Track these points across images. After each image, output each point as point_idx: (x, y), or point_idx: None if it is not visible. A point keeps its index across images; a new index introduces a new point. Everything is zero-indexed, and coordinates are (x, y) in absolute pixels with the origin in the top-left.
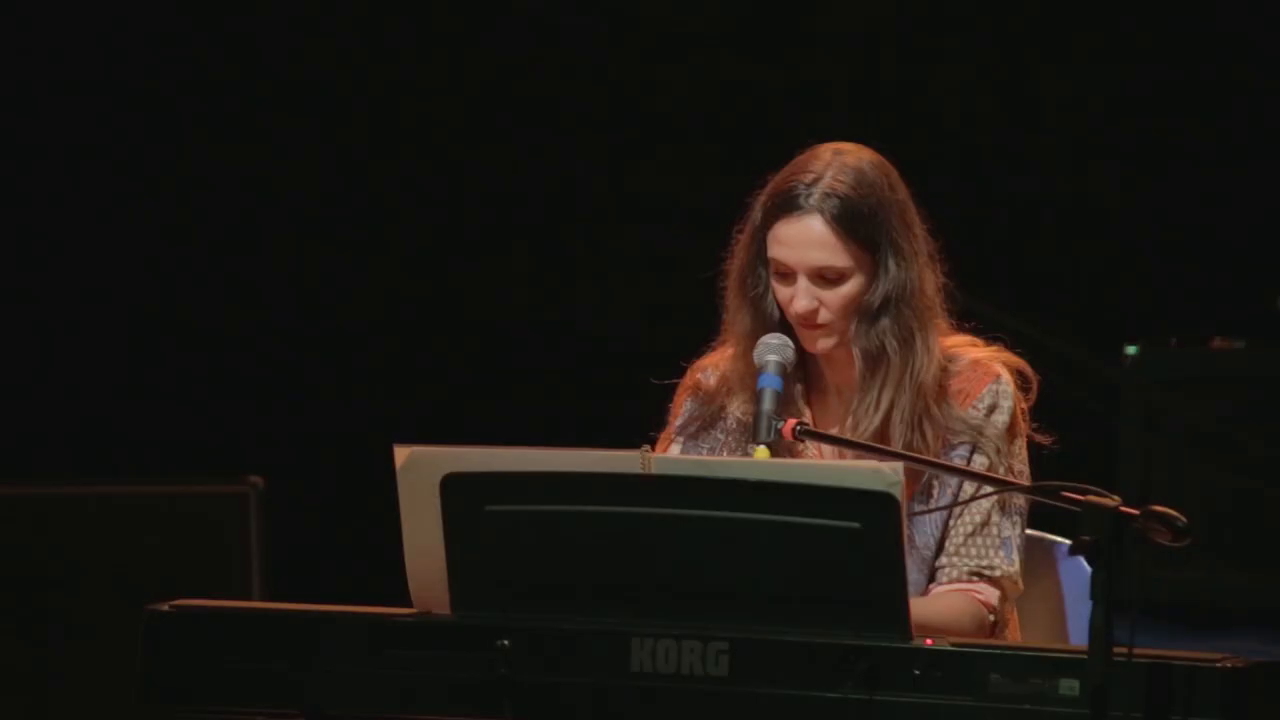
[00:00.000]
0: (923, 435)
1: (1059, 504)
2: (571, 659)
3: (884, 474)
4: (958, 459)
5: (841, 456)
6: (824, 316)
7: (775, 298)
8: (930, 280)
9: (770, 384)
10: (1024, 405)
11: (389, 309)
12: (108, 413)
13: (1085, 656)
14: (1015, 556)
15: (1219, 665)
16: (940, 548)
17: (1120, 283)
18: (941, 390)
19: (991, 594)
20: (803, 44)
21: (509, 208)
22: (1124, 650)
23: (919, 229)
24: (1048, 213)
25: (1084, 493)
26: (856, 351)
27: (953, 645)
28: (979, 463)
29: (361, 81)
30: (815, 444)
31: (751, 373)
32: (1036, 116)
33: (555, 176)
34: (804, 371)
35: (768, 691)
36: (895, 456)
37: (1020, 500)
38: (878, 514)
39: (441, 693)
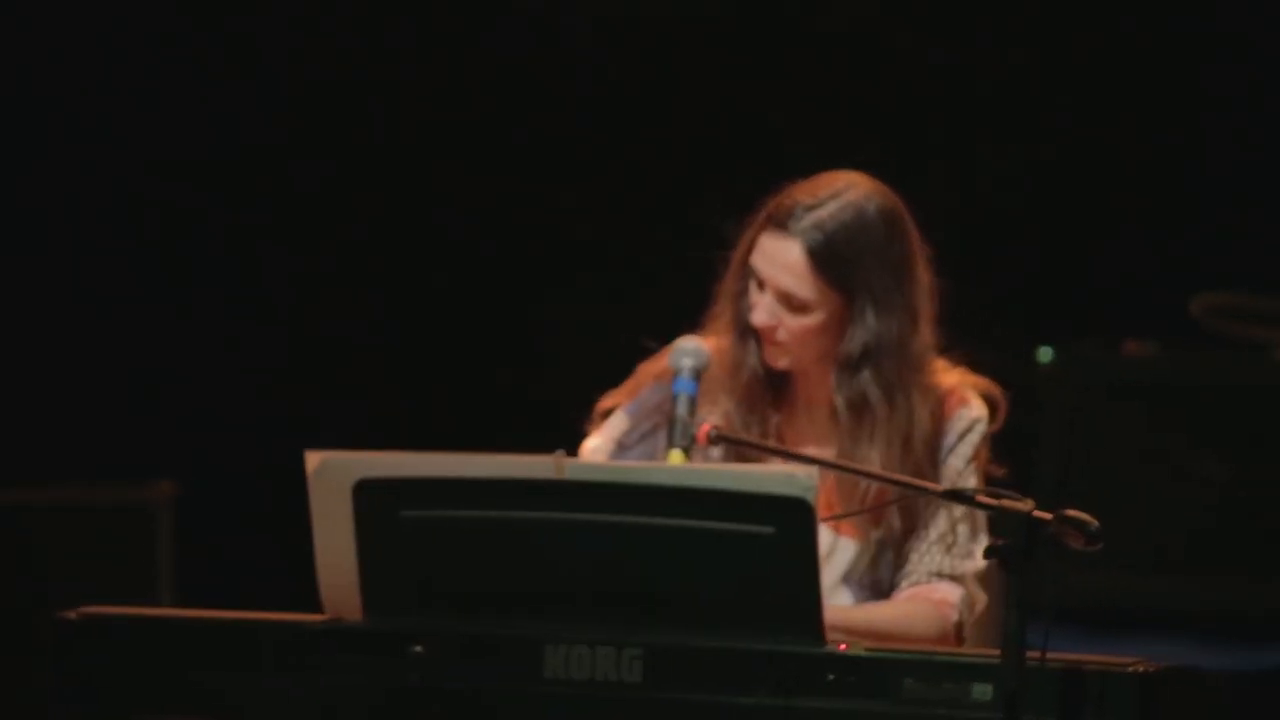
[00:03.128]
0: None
1: (974, 508)
2: (485, 665)
3: (798, 479)
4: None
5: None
6: (781, 336)
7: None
8: (919, 338)
9: (685, 389)
10: (988, 430)
11: (304, 312)
12: (14, 417)
13: (999, 661)
14: (979, 558)
15: (1131, 670)
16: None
17: (1034, 285)
18: (931, 449)
19: (952, 591)
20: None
21: (439, 211)
22: (1037, 655)
23: (916, 284)
24: (961, 214)
25: (998, 497)
26: (840, 402)
27: (866, 651)
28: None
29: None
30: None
31: (735, 364)
32: (946, 110)
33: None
34: (777, 383)
35: (682, 697)
36: (809, 461)
37: (982, 516)
38: (792, 519)
39: (354, 699)
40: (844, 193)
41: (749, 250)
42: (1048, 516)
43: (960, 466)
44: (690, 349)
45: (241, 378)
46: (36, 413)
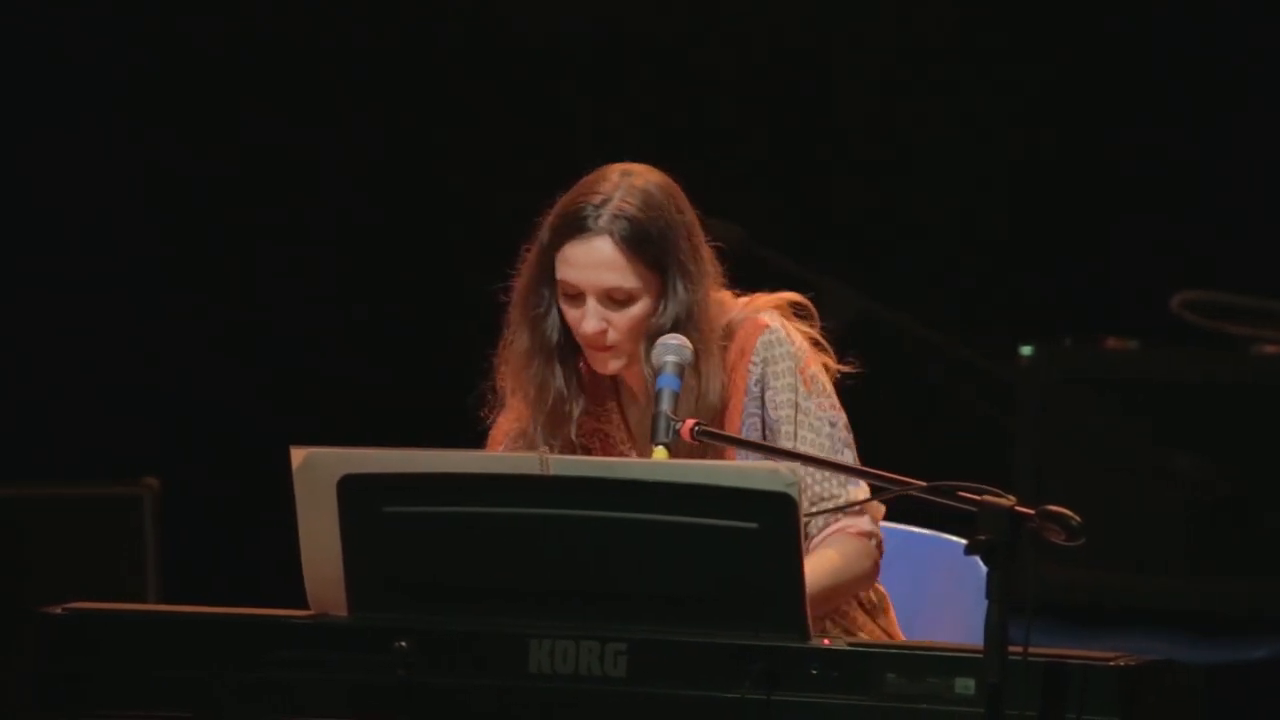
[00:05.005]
0: (719, 455)
1: (955, 504)
2: (469, 660)
3: (781, 475)
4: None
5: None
6: (612, 337)
7: (562, 319)
8: (712, 301)
9: (668, 385)
10: (810, 335)
11: (286, 308)
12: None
13: (981, 656)
14: (861, 482)
15: (1113, 664)
16: None
17: (1015, 283)
18: (741, 382)
19: (861, 521)
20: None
21: (412, 205)
22: (1019, 649)
23: (705, 250)
24: (941, 213)
25: (980, 493)
26: (648, 372)
27: (850, 645)
28: (785, 432)
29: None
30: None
31: (538, 386)
32: (928, 114)
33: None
34: (614, 386)
35: (666, 692)
36: (793, 457)
37: (839, 419)
38: (775, 514)
39: (339, 695)
40: (623, 181)
41: (543, 269)
42: (1030, 511)
43: (789, 398)
44: (673, 345)
45: (225, 374)
46: (22, 409)
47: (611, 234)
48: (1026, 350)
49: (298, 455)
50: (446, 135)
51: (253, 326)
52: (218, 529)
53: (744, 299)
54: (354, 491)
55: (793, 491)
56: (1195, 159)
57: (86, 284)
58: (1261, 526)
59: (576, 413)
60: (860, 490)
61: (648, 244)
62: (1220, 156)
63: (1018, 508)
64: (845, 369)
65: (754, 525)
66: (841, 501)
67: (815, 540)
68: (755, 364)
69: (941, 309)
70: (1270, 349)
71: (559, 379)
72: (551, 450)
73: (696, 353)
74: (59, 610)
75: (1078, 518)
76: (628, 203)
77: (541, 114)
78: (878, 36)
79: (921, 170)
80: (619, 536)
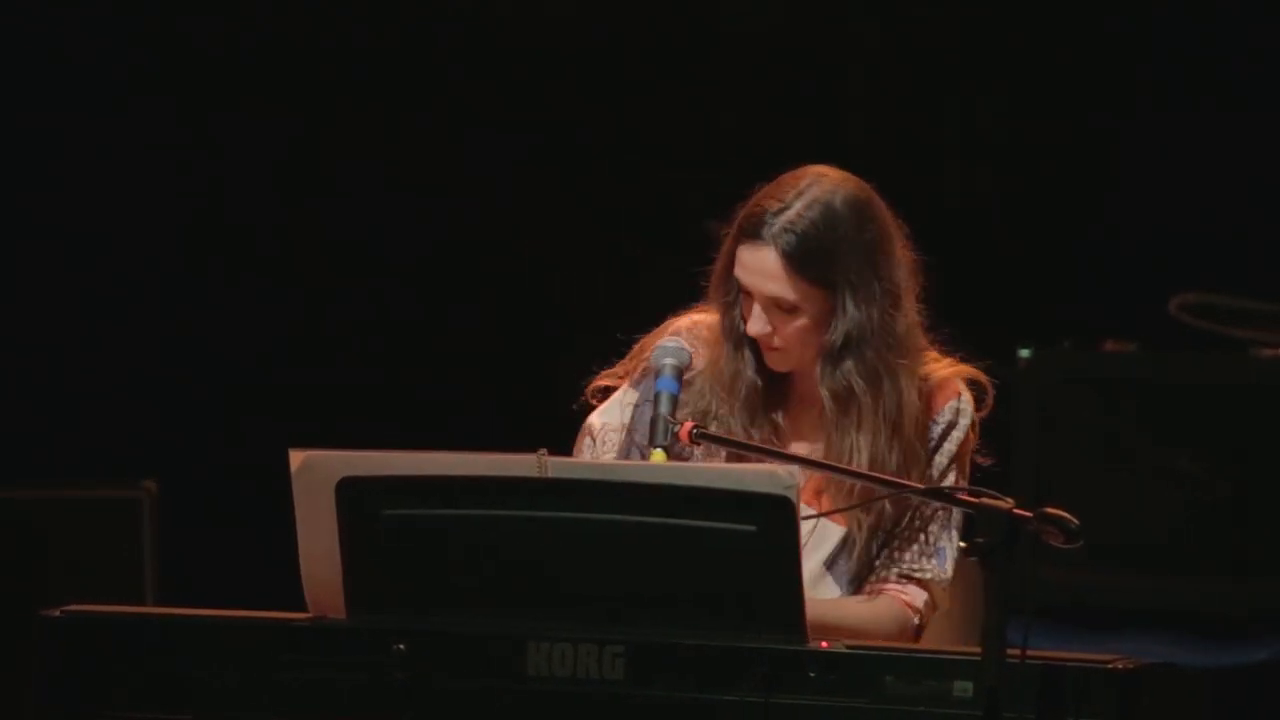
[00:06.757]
0: (909, 478)
1: (954, 506)
2: (467, 663)
3: (780, 477)
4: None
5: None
6: (778, 342)
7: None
8: (903, 320)
9: (666, 388)
10: (977, 419)
11: (284, 309)
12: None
13: (979, 659)
14: (948, 565)
15: (1111, 667)
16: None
17: (1013, 285)
18: (922, 431)
19: (918, 595)
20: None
21: (412, 205)
22: (1018, 652)
23: (892, 268)
24: (941, 214)
25: (978, 495)
26: (824, 393)
27: (848, 648)
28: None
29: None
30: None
31: (732, 374)
32: (927, 117)
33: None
34: (777, 383)
35: (664, 695)
36: (791, 460)
37: (958, 514)
38: (774, 517)
39: (337, 697)
40: (808, 189)
41: (730, 263)
42: (1028, 515)
43: (944, 464)
44: (671, 348)
45: (223, 375)
46: (21, 411)
47: (777, 246)
48: (1025, 352)
49: (296, 458)
50: (447, 135)
51: (252, 327)
52: (216, 531)
53: (934, 353)
54: (352, 494)
55: (791, 494)
56: (1195, 159)
57: (86, 284)
58: (1261, 527)
59: (767, 399)
60: (945, 573)
61: (811, 261)
62: (1221, 156)
63: (1016, 510)
64: (982, 461)
65: (752, 528)
66: (927, 577)
67: (872, 584)
68: (936, 423)
69: (938, 309)
70: (1269, 352)
71: (750, 368)
72: (749, 436)
73: (876, 370)
74: (57, 613)
75: (1076, 520)
76: (803, 215)
77: (541, 114)
78: (878, 36)
79: (922, 170)
80: (617, 539)
